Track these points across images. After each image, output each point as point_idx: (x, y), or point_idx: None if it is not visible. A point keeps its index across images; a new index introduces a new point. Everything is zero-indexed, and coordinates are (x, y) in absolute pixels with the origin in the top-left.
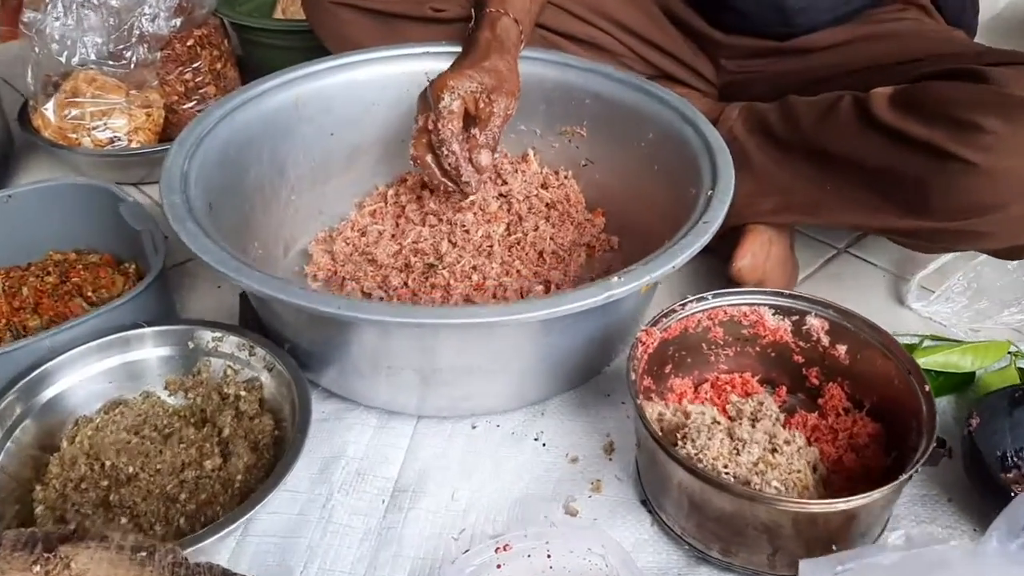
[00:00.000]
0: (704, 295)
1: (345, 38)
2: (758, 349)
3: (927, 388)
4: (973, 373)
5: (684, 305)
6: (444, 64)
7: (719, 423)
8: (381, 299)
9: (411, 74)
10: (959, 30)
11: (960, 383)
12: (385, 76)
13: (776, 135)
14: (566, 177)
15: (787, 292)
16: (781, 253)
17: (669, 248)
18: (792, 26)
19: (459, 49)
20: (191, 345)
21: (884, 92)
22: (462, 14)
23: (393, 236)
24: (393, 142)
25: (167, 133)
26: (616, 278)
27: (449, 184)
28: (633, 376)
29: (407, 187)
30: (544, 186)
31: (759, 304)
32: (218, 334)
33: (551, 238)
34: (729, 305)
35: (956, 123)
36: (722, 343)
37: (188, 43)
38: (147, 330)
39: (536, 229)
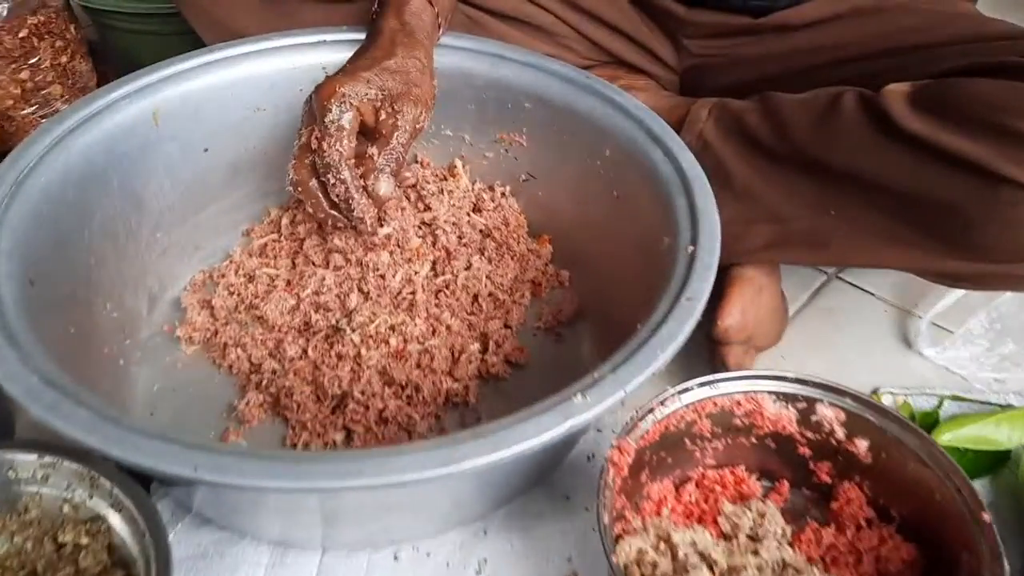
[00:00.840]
0: (687, 384)
1: (220, 24)
2: (754, 440)
3: (986, 518)
4: (1009, 450)
5: (663, 402)
6: (346, 55)
7: (713, 558)
8: (273, 372)
9: (304, 69)
10: (963, 1)
11: (994, 462)
12: (271, 72)
13: (760, 141)
14: (503, 195)
15: (792, 376)
16: (772, 301)
17: (645, 341)
18: None
19: (362, 36)
20: (12, 475)
21: (900, 90)
22: None
23: (288, 284)
24: (284, 154)
25: (8, 146)
26: (578, 396)
27: (338, 219)
28: (605, 518)
29: (306, 212)
30: (477, 209)
31: (757, 391)
32: (48, 460)
33: (488, 277)
34: (720, 396)
35: (1006, 134)
36: (709, 436)
37: (21, 34)
38: None
39: (469, 267)
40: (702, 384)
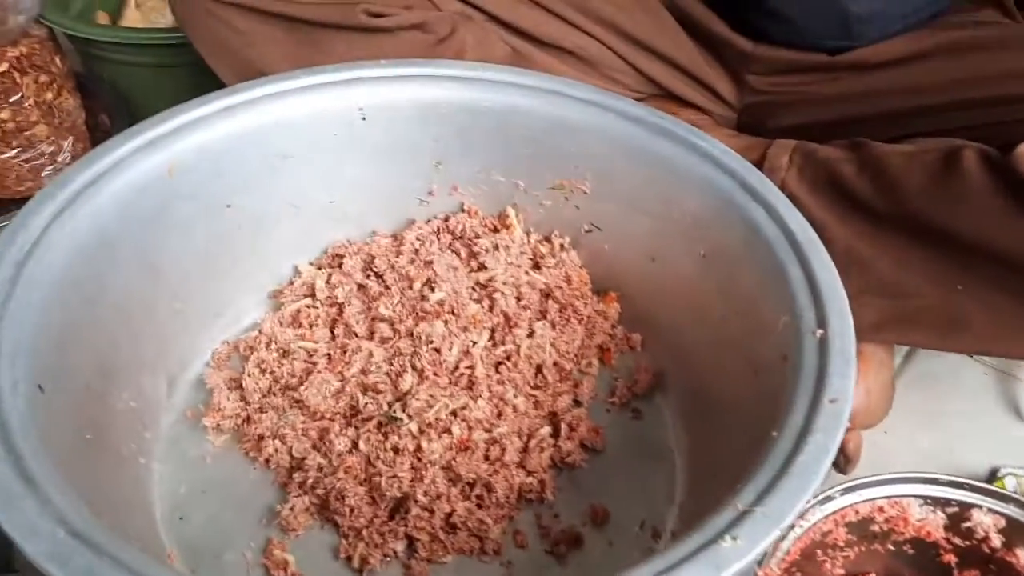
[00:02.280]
0: (829, 492)
1: (242, 60)
2: (890, 547)
3: None
4: None
5: (803, 515)
6: (385, 94)
7: None
8: (320, 469)
9: (337, 110)
10: None
11: None
12: (300, 115)
13: (859, 198)
14: (562, 247)
15: (945, 479)
16: (887, 377)
17: (791, 458)
18: (852, 37)
19: (409, 71)
20: None
21: None
22: (409, 21)
23: (330, 360)
24: (318, 204)
25: None
26: (728, 539)
27: None
28: None
29: (343, 272)
30: (536, 265)
31: (904, 496)
32: None
33: (552, 344)
34: (863, 502)
35: None
36: (843, 545)
37: (0, 68)
38: None
39: (531, 334)
40: (845, 491)
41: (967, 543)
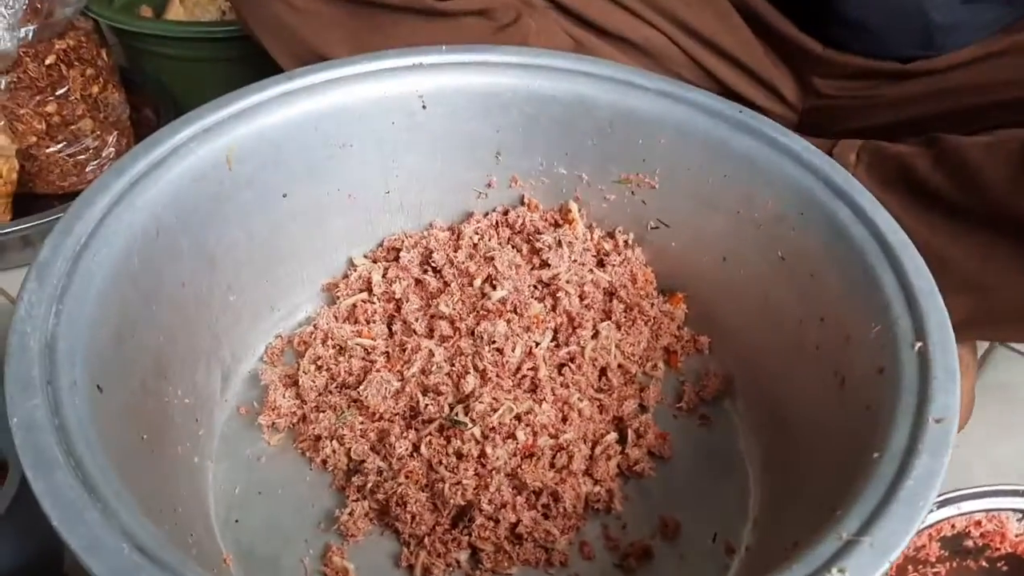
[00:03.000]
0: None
1: (302, 43)
2: (983, 564)
3: None
4: None
5: None
6: (447, 81)
7: None
8: (379, 473)
9: (396, 98)
10: None
11: None
12: (360, 101)
13: (936, 193)
14: (627, 244)
15: None
16: (970, 384)
17: (897, 483)
18: (932, 48)
19: (470, 58)
20: None
21: None
22: (473, 6)
23: (388, 358)
24: (375, 194)
25: (27, 187)
26: (835, 573)
27: None
28: None
29: (401, 266)
30: (600, 263)
31: (1003, 509)
32: None
33: (617, 346)
34: (959, 516)
35: None
36: (934, 560)
37: (47, 61)
38: None
39: (596, 336)
40: (940, 504)
41: None
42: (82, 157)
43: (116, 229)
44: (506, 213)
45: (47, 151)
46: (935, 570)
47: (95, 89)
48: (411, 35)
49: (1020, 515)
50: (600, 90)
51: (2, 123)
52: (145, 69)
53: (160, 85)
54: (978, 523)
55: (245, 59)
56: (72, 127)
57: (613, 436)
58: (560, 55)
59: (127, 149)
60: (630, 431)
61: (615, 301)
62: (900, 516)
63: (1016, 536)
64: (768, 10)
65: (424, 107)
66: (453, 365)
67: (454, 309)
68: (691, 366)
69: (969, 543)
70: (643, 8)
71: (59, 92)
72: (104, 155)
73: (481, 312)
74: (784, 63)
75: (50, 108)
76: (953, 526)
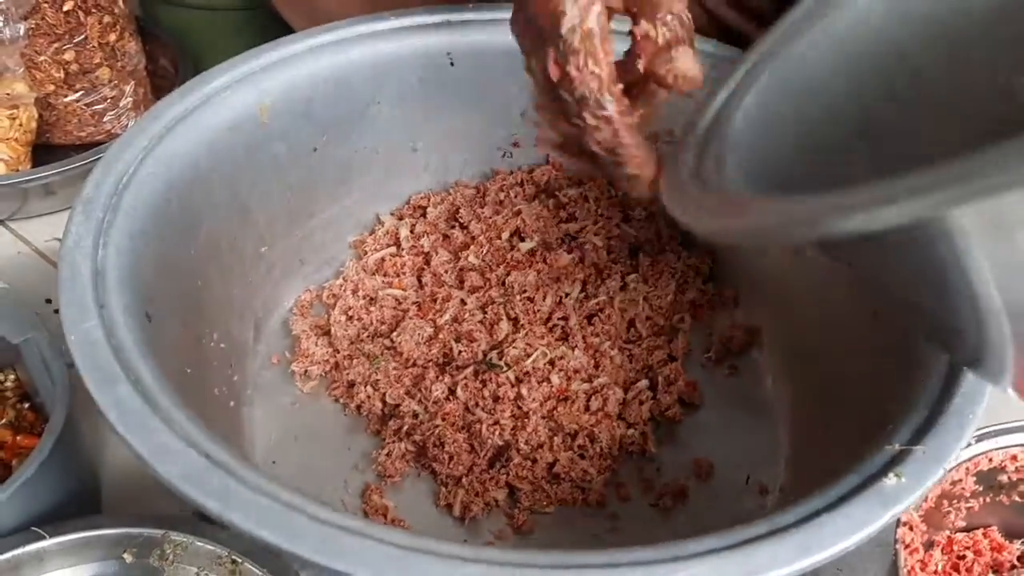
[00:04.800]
0: None
1: (320, 10)
2: (1016, 498)
3: None
4: None
5: None
6: (474, 37)
7: None
8: (415, 416)
9: (424, 55)
10: None
11: None
12: (388, 58)
13: None
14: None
15: None
16: None
17: (946, 393)
18: None
19: (498, 15)
20: (129, 559)
21: None
22: None
23: (420, 308)
24: (402, 152)
25: (44, 138)
26: (892, 478)
27: (614, 173)
28: None
29: (428, 222)
30: (627, 218)
31: None
32: (180, 539)
33: (644, 299)
34: (997, 450)
35: None
36: (968, 495)
37: (65, 7)
38: (47, 544)
39: (624, 288)
40: (980, 438)
41: None
42: (99, 107)
43: (155, 171)
44: (531, 171)
45: (65, 100)
46: (968, 505)
47: (112, 37)
48: None
49: None
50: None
51: (21, 70)
52: (160, 18)
53: (177, 35)
54: (1014, 457)
55: (258, 8)
56: (90, 75)
57: (644, 382)
58: None
59: (144, 99)
60: (660, 378)
61: (641, 256)
62: (950, 427)
63: None
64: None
65: (452, 64)
66: (485, 313)
67: (483, 260)
68: (718, 319)
69: (1004, 478)
70: None
71: (77, 39)
72: (122, 105)
73: (511, 263)
74: None
75: (68, 56)
76: (990, 460)
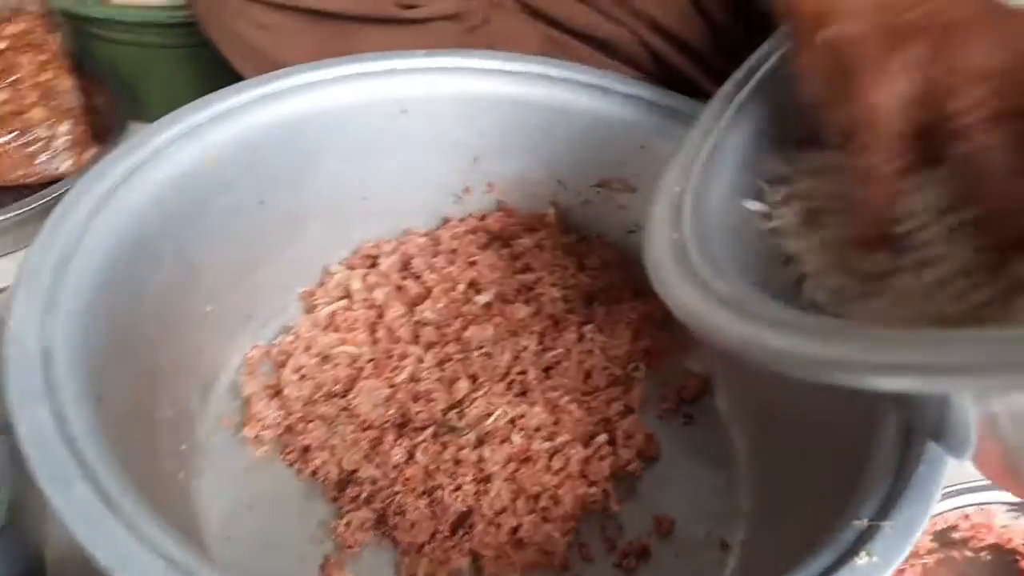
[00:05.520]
0: None
1: (266, 56)
2: (968, 553)
3: None
4: None
5: None
6: (423, 85)
7: None
8: (374, 483)
9: (375, 103)
10: None
11: None
12: (338, 107)
13: None
14: (604, 246)
15: None
16: None
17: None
18: None
19: (451, 62)
20: None
21: None
22: (443, 12)
23: (375, 366)
24: (351, 201)
25: None
26: (863, 557)
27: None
28: None
29: (381, 272)
30: (581, 267)
31: (992, 503)
32: None
33: (601, 349)
34: (953, 510)
35: None
36: (923, 552)
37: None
38: None
39: (581, 339)
40: (944, 497)
41: None
42: (33, 148)
43: (101, 236)
44: (483, 218)
45: None
46: (923, 561)
47: (47, 76)
48: (379, 43)
49: (1008, 507)
50: (579, 96)
51: None
52: (96, 55)
53: (113, 71)
54: (967, 516)
55: (196, 46)
56: (23, 116)
57: (604, 437)
58: (539, 60)
59: (82, 138)
60: (619, 432)
61: (596, 304)
62: (916, 499)
63: (1001, 527)
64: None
65: (404, 112)
66: (443, 370)
67: (439, 315)
68: (673, 366)
69: (957, 535)
70: (609, 4)
71: (11, 79)
72: (55, 146)
73: (467, 317)
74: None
75: (2, 96)
76: (946, 520)
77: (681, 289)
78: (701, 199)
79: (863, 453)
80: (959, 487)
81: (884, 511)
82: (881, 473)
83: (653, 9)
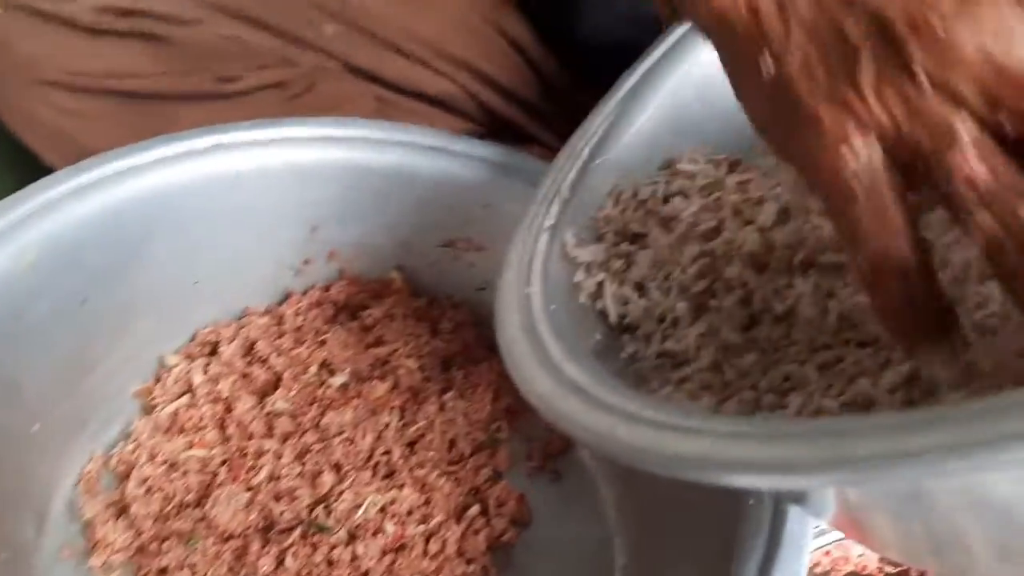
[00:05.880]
0: None
1: (77, 144)
2: None
3: None
4: None
5: None
6: (251, 159)
7: None
8: None
9: (197, 183)
10: None
11: None
12: (162, 190)
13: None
14: (454, 307)
15: None
16: None
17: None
18: None
19: (279, 133)
20: None
21: None
22: (265, 82)
23: (228, 468)
24: (181, 289)
25: None
26: None
27: None
28: None
29: (222, 361)
30: (435, 331)
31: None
32: None
33: (463, 415)
34: (816, 549)
35: None
36: None
37: None
38: None
39: (442, 408)
40: None
41: (899, 568)
42: None
43: None
44: (327, 289)
45: None
46: None
47: None
48: (199, 120)
49: None
50: (416, 157)
51: None
52: None
53: None
54: (828, 552)
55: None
56: None
57: (476, 508)
58: (370, 124)
59: None
60: (490, 500)
61: (453, 368)
62: (789, 559)
63: (858, 556)
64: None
65: (233, 188)
66: (304, 464)
67: (293, 403)
68: (535, 422)
69: (818, 570)
70: (435, 60)
71: None
72: None
73: (323, 402)
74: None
75: None
76: (810, 559)
77: (533, 374)
78: (549, 267)
79: (734, 509)
80: (821, 529)
81: (764, 572)
82: (755, 530)
83: (480, 62)
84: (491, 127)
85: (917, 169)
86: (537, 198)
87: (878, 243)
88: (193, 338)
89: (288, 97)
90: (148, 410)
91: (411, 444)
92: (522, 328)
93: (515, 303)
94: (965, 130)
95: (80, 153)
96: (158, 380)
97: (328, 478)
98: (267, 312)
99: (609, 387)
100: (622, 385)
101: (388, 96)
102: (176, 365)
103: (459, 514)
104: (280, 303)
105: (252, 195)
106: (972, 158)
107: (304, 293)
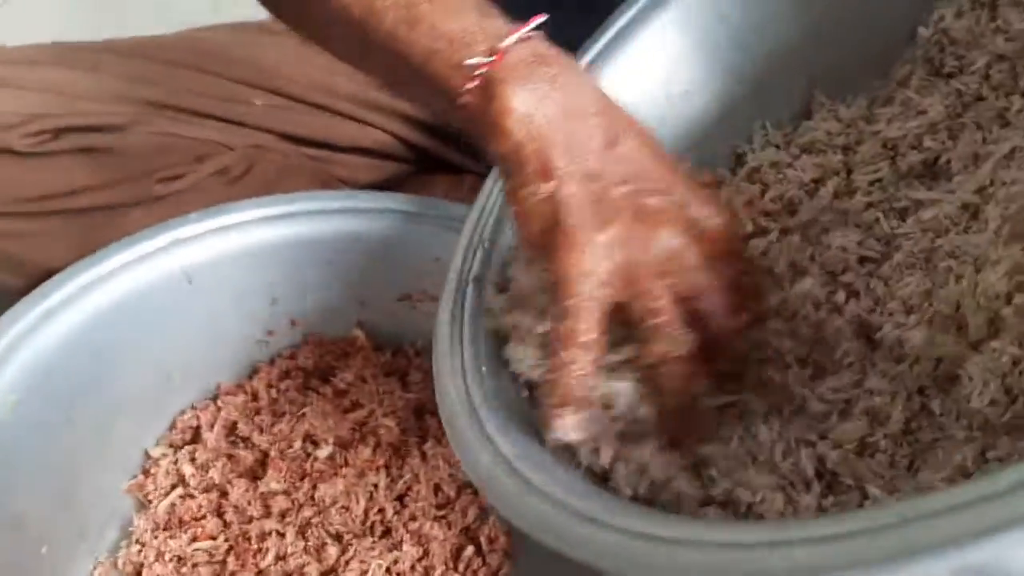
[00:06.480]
0: None
1: (25, 263)
2: None
3: None
4: None
5: None
6: (210, 248)
7: None
8: None
9: (157, 282)
10: None
11: None
12: (120, 297)
13: None
14: (417, 354)
15: None
16: None
17: None
18: None
19: (226, 220)
20: None
21: None
22: (206, 173)
23: (236, 556)
24: (155, 384)
25: None
26: None
27: None
28: None
29: (207, 447)
30: (405, 385)
31: None
32: None
33: (444, 459)
34: None
35: None
36: None
37: None
38: None
39: (424, 457)
40: None
41: None
42: None
43: None
44: (292, 357)
45: None
46: None
47: None
48: (146, 222)
49: None
50: (362, 221)
51: None
52: None
53: None
54: None
55: None
56: None
57: (471, 549)
58: (315, 196)
59: None
60: (482, 539)
61: (427, 416)
62: None
63: None
64: None
65: (190, 282)
66: (307, 540)
67: (285, 482)
68: None
69: None
70: (361, 112)
71: None
72: None
73: (314, 476)
74: None
75: None
76: None
77: (472, 450)
78: (477, 325)
79: None
80: None
81: None
82: None
83: (404, 106)
84: (426, 166)
85: None
86: (461, 246)
87: None
88: (173, 426)
89: (228, 181)
90: (143, 505)
91: (400, 498)
92: (459, 399)
93: (448, 370)
94: None
95: (32, 270)
96: (146, 473)
97: (333, 550)
98: (240, 388)
99: (535, 463)
100: (549, 459)
101: (323, 155)
102: (163, 456)
103: (455, 558)
104: (250, 376)
105: (209, 283)
106: None
107: (271, 363)
